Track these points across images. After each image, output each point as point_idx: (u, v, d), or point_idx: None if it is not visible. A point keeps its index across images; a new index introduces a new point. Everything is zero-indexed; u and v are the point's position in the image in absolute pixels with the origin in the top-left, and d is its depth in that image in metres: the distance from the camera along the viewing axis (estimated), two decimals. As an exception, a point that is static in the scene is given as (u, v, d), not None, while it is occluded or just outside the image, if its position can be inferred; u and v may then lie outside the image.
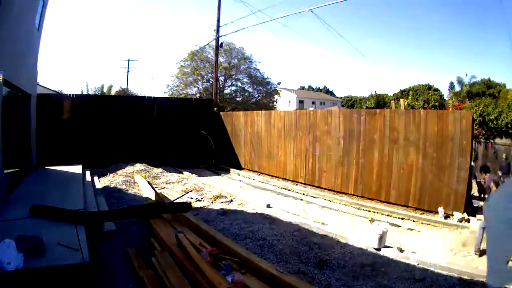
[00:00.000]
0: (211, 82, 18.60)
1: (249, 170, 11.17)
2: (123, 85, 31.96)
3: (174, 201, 5.53)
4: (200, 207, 6.48)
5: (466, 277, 3.59)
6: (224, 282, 2.61)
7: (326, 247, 4.49)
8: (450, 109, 13.39)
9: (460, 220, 5.56)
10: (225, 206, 6.55)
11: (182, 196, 6.71)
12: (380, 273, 3.77)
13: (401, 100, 12.25)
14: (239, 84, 22.29)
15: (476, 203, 6.57)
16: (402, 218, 6.04)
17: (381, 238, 4.38)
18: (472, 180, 6.90)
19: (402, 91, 32.38)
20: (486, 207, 1.59)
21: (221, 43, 15.37)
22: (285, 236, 4.82)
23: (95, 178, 8.70)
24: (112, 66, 65.74)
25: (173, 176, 9.55)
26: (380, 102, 21.52)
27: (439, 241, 4.92)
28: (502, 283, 1.14)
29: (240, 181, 9.74)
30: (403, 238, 5.07)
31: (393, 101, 14.21)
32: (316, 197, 7.63)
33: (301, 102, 44.80)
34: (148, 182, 7.91)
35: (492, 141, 10.75)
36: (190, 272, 2.92)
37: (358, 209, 6.70)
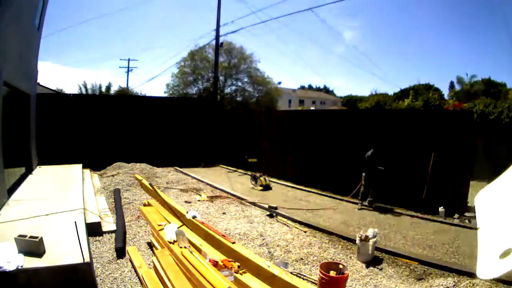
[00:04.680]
0: (211, 81, 18.56)
1: (250, 170, 11.15)
2: (123, 84, 31.98)
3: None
4: (200, 207, 6.48)
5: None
6: (224, 282, 2.61)
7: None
8: (451, 109, 13.38)
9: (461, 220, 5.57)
10: (226, 206, 6.55)
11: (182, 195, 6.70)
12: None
13: (405, 100, 12.29)
14: (239, 83, 22.24)
15: None
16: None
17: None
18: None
19: (402, 91, 32.30)
20: (476, 201, 1.61)
21: (221, 43, 15.35)
22: (284, 235, 4.83)
23: (95, 177, 8.71)
24: (112, 66, 65.56)
25: (174, 176, 9.56)
26: (381, 102, 21.50)
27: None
28: (492, 276, 1.15)
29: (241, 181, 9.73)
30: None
31: (396, 101, 14.17)
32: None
33: (301, 101, 44.76)
34: (150, 183, 7.91)
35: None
36: (190, 272, 2.91)
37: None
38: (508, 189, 1.39)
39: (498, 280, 3.34)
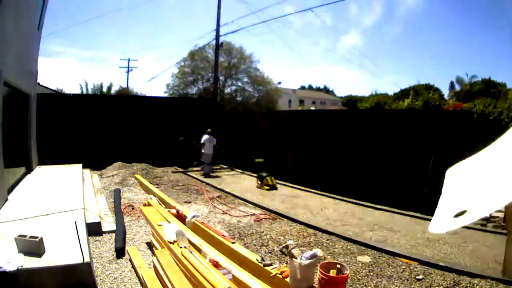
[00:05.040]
0: (211, 81, 18.56)
1: (250, 170, 11.16)
2: (123, 84, 31.99)
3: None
4: (200, 207, 6.47)
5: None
6: (224, 282, 2.61)
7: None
8: (451, 109, 13.39)
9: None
10: (226, 206, 6.55)
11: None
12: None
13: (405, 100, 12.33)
14: (239, 83, 22.24)
15: None
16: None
17: None
18: None
19: (402, 91, 32.33)
20: (446, 174, 1.78)
21: (221, 43, 15.34)
22: (285, 236, 4.82)
23: (95, 177, 8.71)
24: (112, 66, 65.64)
25: (174, 176, 9.56)
26: (381, 102, 21.53)
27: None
28: (443, 230, 1.26)
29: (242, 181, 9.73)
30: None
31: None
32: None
33: (301, 101, 44.77)
34: (150, 183, 7.91)
35: None
36: (190, 272, 2.92)
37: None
38: (475, 163, 1.53)
39: (499, 280, 3.35)
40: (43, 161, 8.94)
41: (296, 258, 2.70)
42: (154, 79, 46.69)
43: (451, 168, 1.78)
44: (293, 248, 2.71)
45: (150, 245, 4.27)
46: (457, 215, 1.21)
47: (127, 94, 24.64)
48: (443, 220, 1.26)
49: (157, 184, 8.19)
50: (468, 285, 3.37)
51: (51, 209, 4.56)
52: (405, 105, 17.59)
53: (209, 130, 10.38)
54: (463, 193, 1.39)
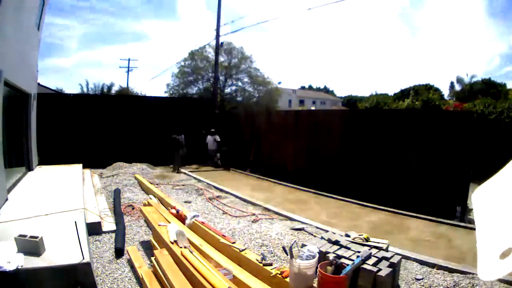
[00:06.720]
0: (211, 81, 18.56)
1: (251, 170, 11.15)
2: (123, 84, 32.00)
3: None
4: (200, 207, 6.48)
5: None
6: (224, 282, 2.61)
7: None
8: (451, 109, 13.39)
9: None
10: (226, 206, 6.55)
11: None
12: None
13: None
14: (240, 83, 22.23)
15: None
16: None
17: None
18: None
19: (402, 91, 32.37)
20: (473, 198, 1.56)
21: (222, 43, 15.32)
22: (285, 236, 4.82)
23: (95, 177, 8.70)
24: (112, 65, 65.61)
25: (174, 176, 9.57)
26: (381, 102, 21.53)
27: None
28: (493, 277, 1.11)
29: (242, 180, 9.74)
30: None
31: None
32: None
33: (301, 101, 44.80)
34: (149, 182, 7.93)
35: None
36: (190, 272, 2.92)
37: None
38: (507, 185, 1.34)
39: (499, 280, 3.34)
40: (43, 161, 8.94)
41: (296, 258, 2.70)
42: (154, 79, 46.46)
43: (478, 189, 1.57)
44: (293, 248, 2.72)
45: (150, 245, 4.27)
46: (503, 255, 1.04)
47: (127, 94, 24.66)
48: (489, 264, 1.10)
49: (157, 184, 8.20)
50: (468, 285, 3.36)
51: (51, 209, 4.56)
52: (405, 105, 17.58)
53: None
54: (501, 224, 1.20)
